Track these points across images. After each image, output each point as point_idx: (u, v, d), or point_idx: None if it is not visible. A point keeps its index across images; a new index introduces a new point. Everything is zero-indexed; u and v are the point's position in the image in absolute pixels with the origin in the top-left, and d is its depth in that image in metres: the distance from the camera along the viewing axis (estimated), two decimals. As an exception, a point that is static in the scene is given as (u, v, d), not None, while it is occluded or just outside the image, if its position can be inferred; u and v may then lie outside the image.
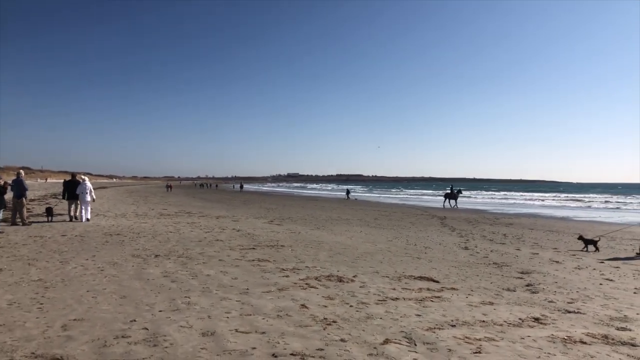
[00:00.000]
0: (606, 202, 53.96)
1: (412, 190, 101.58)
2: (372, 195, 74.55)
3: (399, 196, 69.82)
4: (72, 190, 17.60)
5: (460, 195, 40.62)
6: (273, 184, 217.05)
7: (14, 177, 16.06)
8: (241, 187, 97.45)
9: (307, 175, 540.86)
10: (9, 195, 15.54)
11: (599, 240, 13.46)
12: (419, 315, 5.99)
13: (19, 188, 15.60)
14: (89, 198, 17.55)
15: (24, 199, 15.54)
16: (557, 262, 11.08)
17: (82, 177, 18.04)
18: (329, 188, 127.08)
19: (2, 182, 14.44)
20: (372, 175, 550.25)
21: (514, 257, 11.81)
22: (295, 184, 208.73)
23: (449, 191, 39.47)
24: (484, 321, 5.84)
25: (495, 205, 45.13)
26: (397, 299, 6.89)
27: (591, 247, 13.29)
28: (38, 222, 16.62)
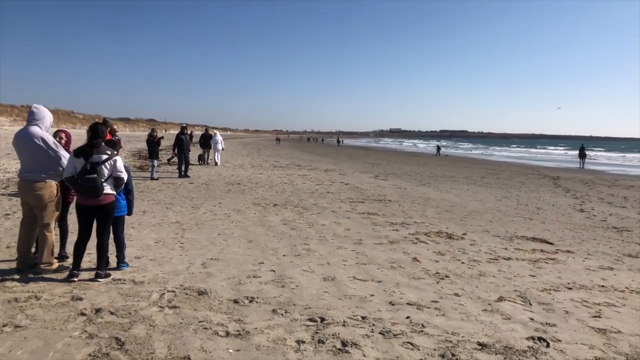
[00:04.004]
0: None
1: (520, 148, 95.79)
2: (474, 153, 70.91)
3: (503, 154, 66.52)
4: (206, 141, 22.30)
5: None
6: (372, 139, 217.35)
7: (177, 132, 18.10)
8: (338, 142, 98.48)
9: (410, 131, 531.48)
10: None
11: None
12: (533, 276, 6.00)
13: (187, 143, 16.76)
14: (220, 147, 22.34)
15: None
16: (689, 230, 10.22)
17: (215, 131, 22.99)
18: (426, 145, 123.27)
19: (156, 136, 15.68)
20: (478, 132, 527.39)
21: (637, 221, 11.07)
22: (392, 140, 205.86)
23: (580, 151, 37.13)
24: (603, 286, 5.72)
25: (611, 166, 41.39)
26: (509, 258, 6.90)
27: None
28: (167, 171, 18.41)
